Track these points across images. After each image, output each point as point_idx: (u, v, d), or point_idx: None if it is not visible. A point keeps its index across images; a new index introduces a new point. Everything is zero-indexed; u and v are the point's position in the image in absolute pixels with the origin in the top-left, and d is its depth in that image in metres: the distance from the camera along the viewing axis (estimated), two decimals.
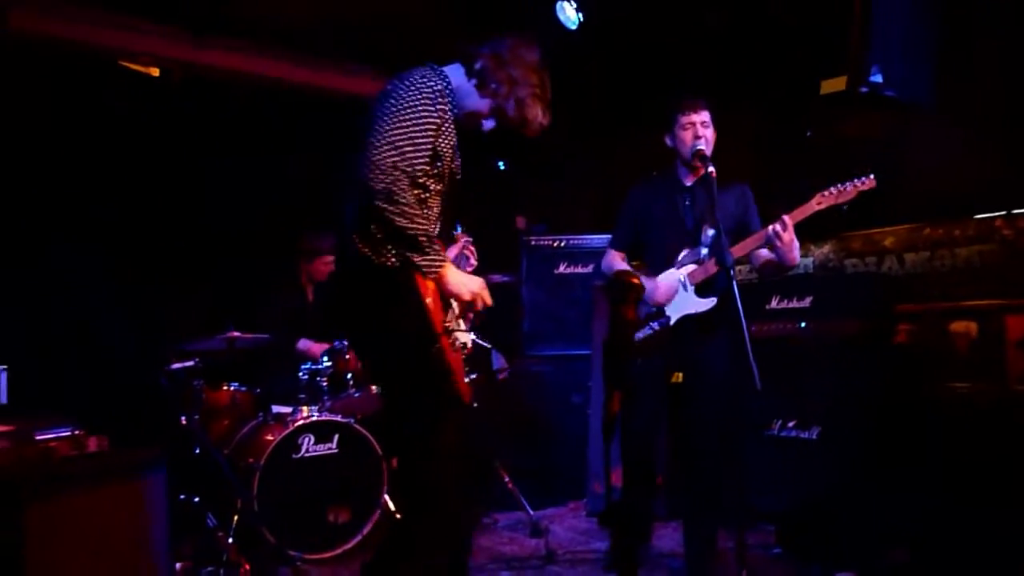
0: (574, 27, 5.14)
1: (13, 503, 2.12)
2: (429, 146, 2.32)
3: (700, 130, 3.15)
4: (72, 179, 4.46)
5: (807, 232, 3.03)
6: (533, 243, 5.38)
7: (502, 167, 6.67)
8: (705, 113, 3.18)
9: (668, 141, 3.27)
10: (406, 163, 2.26)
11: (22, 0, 4.24)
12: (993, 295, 3.72)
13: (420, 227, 2.28)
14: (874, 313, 3.63)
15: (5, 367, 3.51)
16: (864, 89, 3.61)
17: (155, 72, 5.00)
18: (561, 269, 5.32)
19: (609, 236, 3.47)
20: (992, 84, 3.95)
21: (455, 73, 2.50)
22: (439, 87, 2.36)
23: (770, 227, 2.97)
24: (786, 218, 2.96)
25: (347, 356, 4.18)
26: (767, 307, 3.92)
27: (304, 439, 3.75)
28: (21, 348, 3.78)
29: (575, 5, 5.12)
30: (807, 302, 3.81)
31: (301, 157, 5.16)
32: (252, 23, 4.82)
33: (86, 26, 4.46)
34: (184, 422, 3.82)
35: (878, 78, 3.57)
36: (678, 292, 3.18)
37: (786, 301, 3.88)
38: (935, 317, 3.81)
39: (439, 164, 2.38)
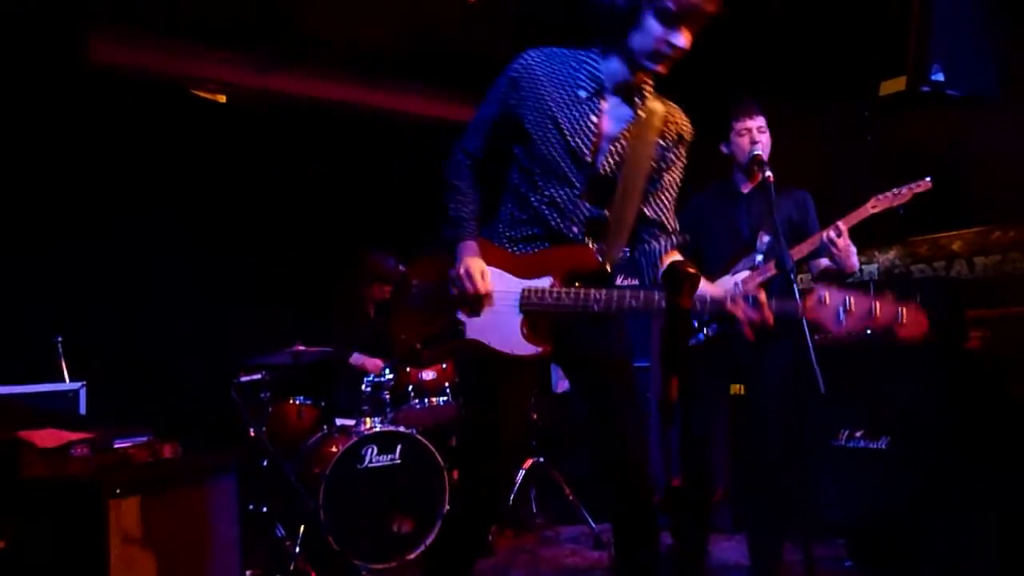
0: None
1: (97, 503, 2.23)
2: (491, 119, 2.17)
3: (756, 135, 3.12)
4: (145, 200, 4.66)
5: (871, 238, 2.98)
6: None
7: None
8: (760, 118, 3.16)
9: (724, 149, 3.25)
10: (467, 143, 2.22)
11: (102, 32, 4.48)
12: None
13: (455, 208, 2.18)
14: (944, 318, 3.52)
15: (84, 383, 3.69)
16: (925, 88, 3.53)
17: (222, 99, 5.21)
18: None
19: None
20: None
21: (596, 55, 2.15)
22: (518, 62, 2.13)
23: (824, 232, 2.93)
24: (840, 224, 2.91)
25: (408, 369, 4.25)
26: None
27: (367, 450, 3.81)
28: (99, 364, 3.95)
29: None
30: None
31: (367, 177, 5.32)
32: (319, 48, 4.97)
33: (160, 55, 4.70)
34: (252, 434, 3.94)
35: (940, 76, 3.48)
36: None
37: None
38: (1010, 322, 3.68)
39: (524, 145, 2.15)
